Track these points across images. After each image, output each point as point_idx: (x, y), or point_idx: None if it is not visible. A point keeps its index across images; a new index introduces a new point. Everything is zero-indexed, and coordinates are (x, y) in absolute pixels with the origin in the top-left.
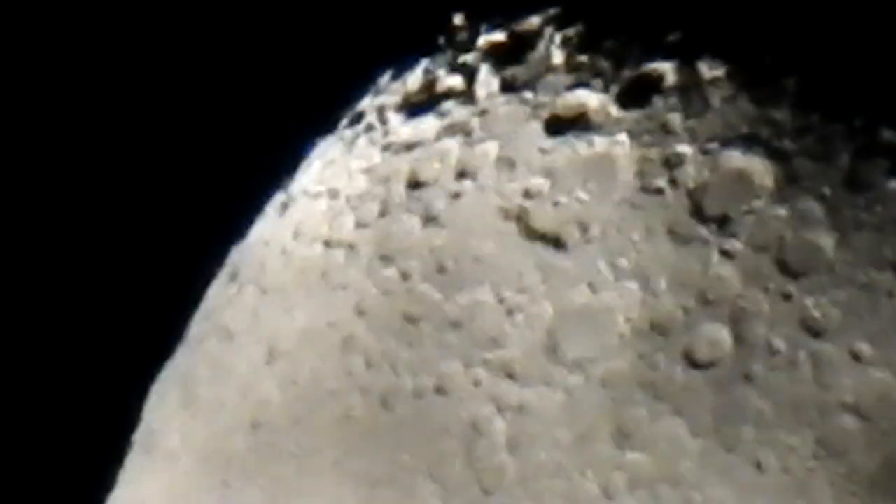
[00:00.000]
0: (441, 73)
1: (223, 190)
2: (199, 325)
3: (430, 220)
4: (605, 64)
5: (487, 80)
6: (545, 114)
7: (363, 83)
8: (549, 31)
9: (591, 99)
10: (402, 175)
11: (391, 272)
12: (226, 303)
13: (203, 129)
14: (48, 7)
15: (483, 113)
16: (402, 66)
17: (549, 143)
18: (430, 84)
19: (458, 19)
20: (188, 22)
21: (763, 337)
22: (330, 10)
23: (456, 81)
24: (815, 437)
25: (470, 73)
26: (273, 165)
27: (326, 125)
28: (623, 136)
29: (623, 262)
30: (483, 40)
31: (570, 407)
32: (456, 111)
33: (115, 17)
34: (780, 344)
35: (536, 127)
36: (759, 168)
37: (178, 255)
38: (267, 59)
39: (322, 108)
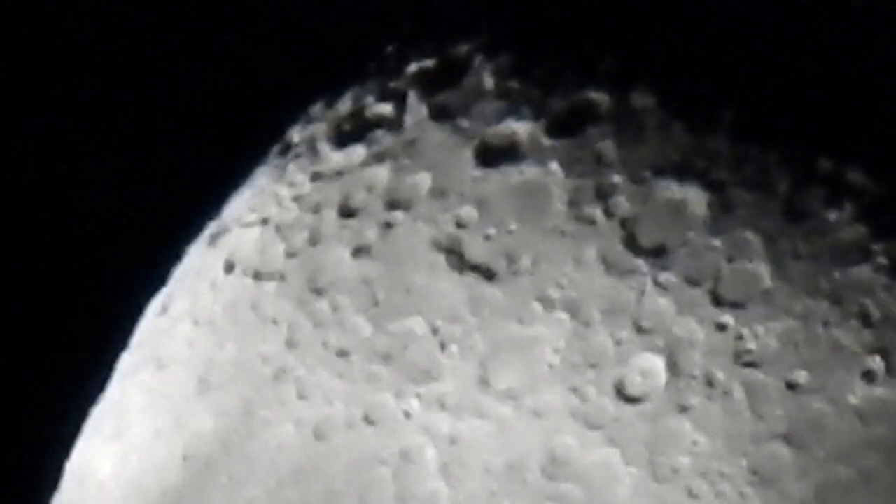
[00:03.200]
0: (370, 100)
1: (154, 219)
2: (132, 355)
3: (360, 250)
4: (535, 92)
5: (417, 108)
6: (476, 142)
7: (294, 111)
8: (479, 58)
9: (521, 127)
10: (332, 204)
11: (321, 303)
12: (159, 334)
13: (133, 157)
14: None
15: (413, 141)
16: (332, 94)
17: (480, 171)
18: (359, 111)
19: (388, 47)
20: (120, 49)
21: (698, 368)
22: (261, 37)
23: (386, 109)
24: (748, 465)
25: (400, 101)
26: (205, 194)
27: (258, 153)
28: (555, 165)
29: (554, 293)
30: (413, 67)
31: (501, 437)
32: (385, 139)
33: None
34: (714, 375)
35: (467, 155)
36: (694, 198)
37: (111, 285)
38: (198, 86)
39: (253, 136)
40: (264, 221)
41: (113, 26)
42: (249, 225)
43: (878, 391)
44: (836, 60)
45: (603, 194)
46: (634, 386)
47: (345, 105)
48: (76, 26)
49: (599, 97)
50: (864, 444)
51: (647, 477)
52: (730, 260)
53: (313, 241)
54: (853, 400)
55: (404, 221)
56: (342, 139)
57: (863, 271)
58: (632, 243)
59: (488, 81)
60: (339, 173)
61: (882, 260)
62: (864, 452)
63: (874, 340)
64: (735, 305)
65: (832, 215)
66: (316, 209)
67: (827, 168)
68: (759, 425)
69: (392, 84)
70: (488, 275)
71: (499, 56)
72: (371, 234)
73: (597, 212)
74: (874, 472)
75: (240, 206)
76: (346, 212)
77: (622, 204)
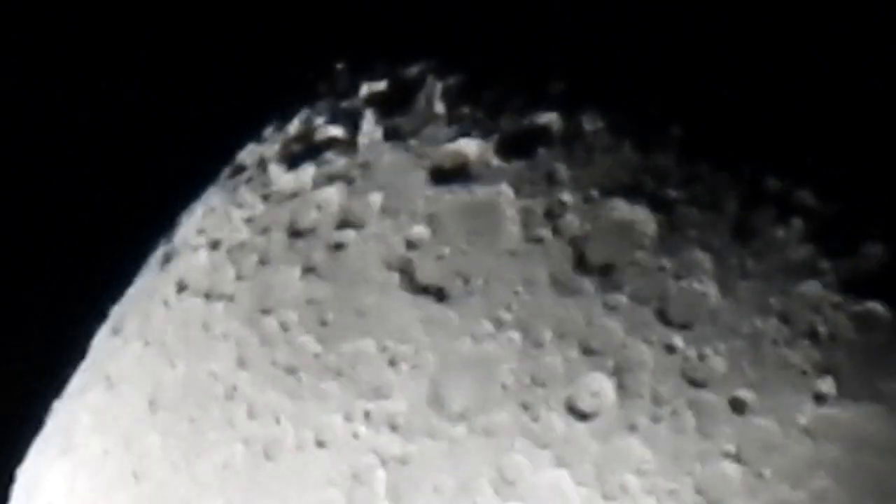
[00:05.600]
0: (321, 121)
1: (106, 239)
2: (81, 376)
3: (310, 270)
4: (486, 114)
5: (370, 130)
6: (428, 163)
7: (244, 132)
8: (430, 80)
9: (472, 149)
10: (282, 225)
11: (271, 323)
12: (109, 354)
13: (85, 177)
14: None
15: (365, 162)
16: (283, 115)
17: (432, 192)
18: (310, 132)
19: (338, 68)
20: (72, 68)
21: (646, 387)
22: (212, 56)
23: (337, 130)
24: (695, 484)
25: (352, 122)
26: (156, 214)
27: (208, 175)
28: (505, 186)
29: (505, 314)
30: (365, 89)
31: (452, 456)
32: (337, 160)
33: None
34: (662, 394)
35: (420, 176)
36: (643, 218)
37: (62, 305)
38: (149, 107)
39: (204, 157)
40: (215, 244)
41: (65, 45)
42: (200, 247)
43: (828, 411)
44: (785, 81)
45: (553, 214)
46: (584, 405)
47: (295, 126)
48: (28, 42)
49: (550, 118)
50: (814, 464)
51: (596, 496)
52: (678, 279)
53: (263, 261)
54: (802, 420)
55: (355, 241)
56: (293, 160)
57: (811, 290)
58: (581, 264)
59: (439, 104)
60: (291, 195)
61: (831, 279)
62: (815, 473)
63: (823, 360)
64: (683, 325)
65: (781, 234)
66: (266, 230)
67: (776, 187)
68: (707, 444)
69: (343, 105)
70: (440, 295)
71: (449, 78)
72: (321, 254)
73: (547, 232)
74: (825, 493)
75: (191, 227)
76: (296, 232)
77: (572, 224)
